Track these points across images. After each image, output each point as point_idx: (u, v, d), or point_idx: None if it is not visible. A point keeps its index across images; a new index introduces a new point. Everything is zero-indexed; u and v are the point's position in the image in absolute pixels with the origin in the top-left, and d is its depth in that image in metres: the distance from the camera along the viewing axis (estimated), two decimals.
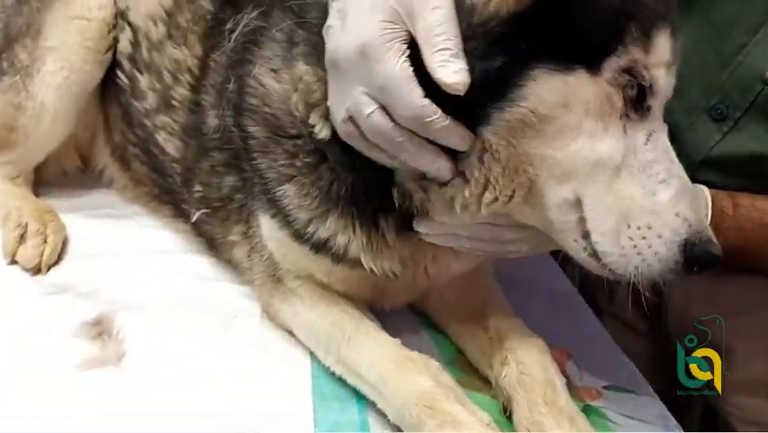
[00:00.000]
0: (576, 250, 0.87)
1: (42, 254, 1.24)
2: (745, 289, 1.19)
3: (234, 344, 1.07)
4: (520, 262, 1.09)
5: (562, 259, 1.37)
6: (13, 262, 1.24)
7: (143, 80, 1.30)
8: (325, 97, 0.91)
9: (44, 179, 1.49)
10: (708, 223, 0.95)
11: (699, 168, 1.16)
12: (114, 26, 1.35)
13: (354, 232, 0.98)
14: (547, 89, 0.80)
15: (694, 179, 1.12)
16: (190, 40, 1.26)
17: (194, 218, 1.22)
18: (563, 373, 1.01)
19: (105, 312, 1.10)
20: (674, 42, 0.85)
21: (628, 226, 0.83)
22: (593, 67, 0.81)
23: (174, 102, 1.25)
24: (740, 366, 1.13)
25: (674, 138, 1.13)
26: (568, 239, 0.87)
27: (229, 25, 1.16)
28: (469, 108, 0.80)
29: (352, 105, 0.84)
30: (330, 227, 0.99)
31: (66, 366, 1.00)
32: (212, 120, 1.17)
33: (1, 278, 1.22)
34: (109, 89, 1.40)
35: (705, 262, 0.84)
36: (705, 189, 1.10)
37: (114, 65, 1.37)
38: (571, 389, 0.99)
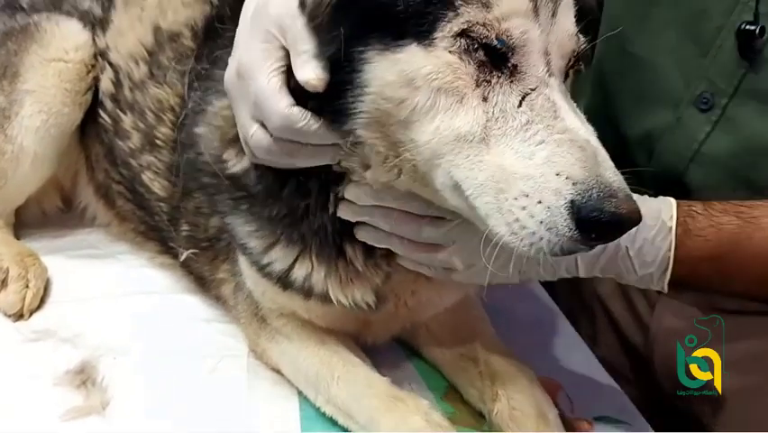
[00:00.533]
0: (494, 236, 0.78)
1: (24, 300, 1.22)
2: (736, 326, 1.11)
3: (221, 387, 1.06)
4: (507, 292, 1.08)
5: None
6: None
7: (127, 120, 1.30)
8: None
9: (24, 221, 1.47)
10: (674, 228, 0.91)
11: (689, 166, 1.11)
12: (93, 66, 1.34)
13: (312, 262, 0.98)
14: (383, 70, 0.78)
15: (684, 178, 1.11)
16: (171, 79, 1.26)
17: (182, 258, 1.21)
18: (555, 404, 1.01)
19: (89, 359, 1.09)
20: None
21: (505, 199, 0.76)
22: (424, 39, 0.77)
23: (158, 141, 1.25)
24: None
25: (662, 137, 1.13)
26: (480, 225, 0.80)
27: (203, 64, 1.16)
28: (337, 106, 0.82)
29: (241, 128, 0.89)
30: (282, 258, 0.99)
31: (50, 417, 0.98)
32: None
33: None
34: (90, 128, 1.39)
35: (602, 222, 0.73)
36: (670, 199, 0.98)
37: (95, 104, 1.36)
38: (564, 421, 0.99)
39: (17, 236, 1.43)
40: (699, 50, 1.10)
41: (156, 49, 1.30)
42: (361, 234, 0.95)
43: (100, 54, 1.34)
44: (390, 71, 0.78)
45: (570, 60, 0.84)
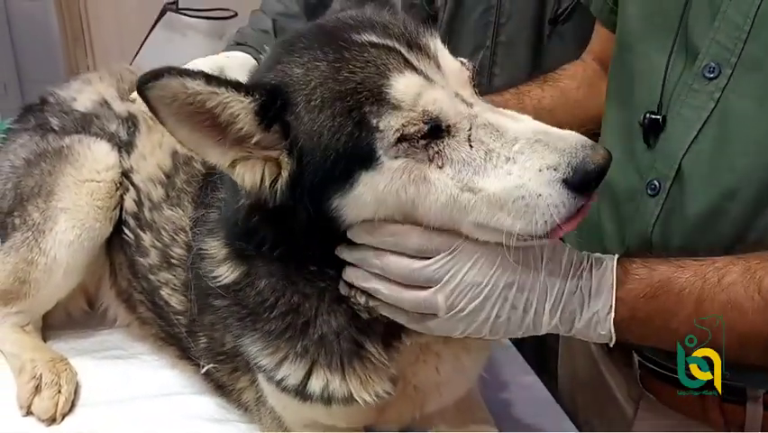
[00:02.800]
0: (515, 234, 0.91)
1: (57, 405, 1.32)
2: None
3: None
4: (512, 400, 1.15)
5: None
6: (29, 413, 1.32)
7: (146, 238, 1.40)
8: (232, 257, 1.07)
9: (50, 323, 1.57)
10: (614, 268, 0.99)
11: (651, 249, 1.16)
12: (121, 184, 1.46)
13: (325, 372, 1.05)
14: (351, 209, 0.93)
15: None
16: (184, 200, 1.36)
17: (203, 370, 1.29)
18: None
19: None
20: (414, 68, 0.91)
21: (509, 205, 0.89)
22: (370, 164, 0.90)
23: (173, 261, 1.34)
24: None
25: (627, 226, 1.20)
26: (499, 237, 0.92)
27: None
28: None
29: None
30: (294, 372, 1.06)
31: None
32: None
33: (17, 429, 1.29)
34: (114, 237, 1.49)
35: (593, 176, 0.88)
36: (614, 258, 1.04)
37: (120, 217, 1.47)
38: None
39: (44, 337, 1.53)
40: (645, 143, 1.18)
41: (173, 172, 1.41)
42: (349, 274, 1.01)
43: (125, 174, 1.46)
44: (357, 202, 0.92)
45: (473, 81, 0.98)
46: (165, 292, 1.36)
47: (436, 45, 0.96)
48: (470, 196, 0.91)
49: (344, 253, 1.00)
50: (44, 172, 1.46)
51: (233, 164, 0.94)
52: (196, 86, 0.88)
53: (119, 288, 1.55)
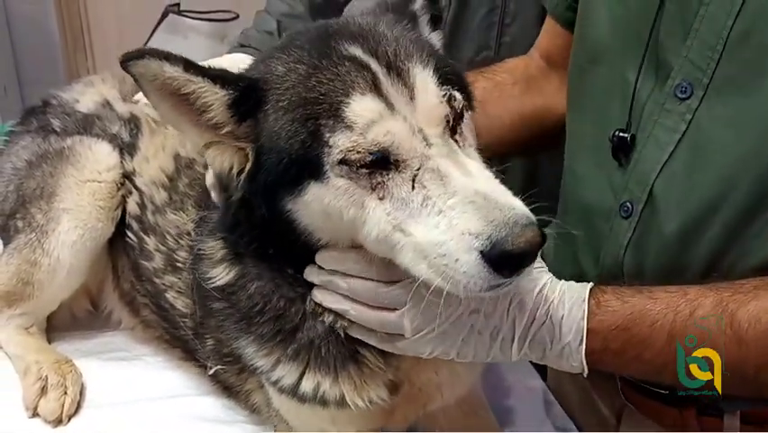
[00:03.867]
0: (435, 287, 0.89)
1: (63, 406, 1.32)
2: None
3: None
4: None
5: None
6: (35, 414, 1.31)
7: (150, 242, 1.40)
8: (228, 257, 1.09)
9: (54, 324, 1.57)
10: (587, 299, 1.00)
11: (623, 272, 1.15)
12: (122, 184, 1.46)
13: (316, 374, 1.05)
14: (301, 210, 0.95)
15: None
16: (187, 204, 1.36)
17: (211, 371, 1.29)
18: None
19: None
20: (380, 93, 0.90)
21: (433, 259, 0.86)
22: (318, 175, 0.91)
23: (178, 264, 1.34)
24: None
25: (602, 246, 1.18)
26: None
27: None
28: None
29: None
30: (289, 373, 1.06)
31: None
32: None
33: (24, 431, 1.29)
34: (117, 240, 1.49)
35: (512, 256, 0.83)
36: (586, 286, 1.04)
37: (122, 218, 1.47)
38: None
39: (48, 339, 1.53)
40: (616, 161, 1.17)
41: (176, 175, 1.41)
42: (317, 295, 1.03)
43: (127, 177, 1.46)
44: (307, 209, 0.94)
45: (449, 120, 0.93)
46: (170, 295, 1.36)
47: (421, 75, 0.93)
48: (401, 237, 0.89)
49: (312, 276, 1.02)
50: (46, 174, 1.46)
51: (207, 146, 0.99)
52: (174, 71, 0.92)
53: (122, 290, 1.55)
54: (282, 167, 0.92)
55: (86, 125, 1.52)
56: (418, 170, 0.89)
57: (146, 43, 3.61)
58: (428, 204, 0.88)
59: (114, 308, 1.59)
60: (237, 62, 1.63)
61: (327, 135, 0.89)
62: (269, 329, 1.06)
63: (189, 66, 0.92)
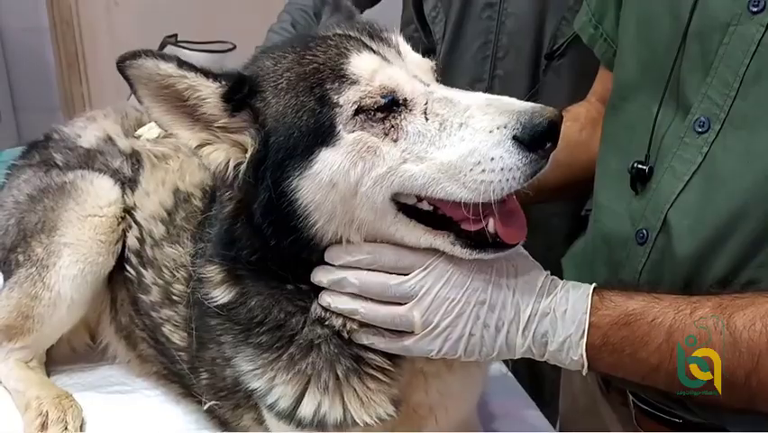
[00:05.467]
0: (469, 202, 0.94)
1: None
2: None
3: None
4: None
5: None
6: None
7: (148, 275, 1.40)
8: (228, 279, 1.10)
9: (54, 358, 1.57)
10: (590, 294, 1.02)
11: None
12: (123, 219, 1.46)
13: (318, 389, 1.05)
14: (311, 182, 0.97)
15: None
16: (183, 238, 1.38)
17: (205, 407, 1.29)
18: None
19: None
20: (373, 50, 1.00)
21: (464, 176, 0.92)
22: (330, 139, 0.95)
23: (174, 297, 1.35)
24: None
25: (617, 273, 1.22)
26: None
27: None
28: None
29: None
30: (286, 393, 1.06)
31: None
32: None
33: None
34: (117, 273, 1.49)
35: (544, 130, 0.90)
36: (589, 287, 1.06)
37: (122, 253, 1.47)
38: None
39: (48, 372, 1.53)
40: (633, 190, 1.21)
41: (174, 209, 1.42)
42: (325, 298, 1.04)
43: (128, 211, 1.47)
44: (313, 182, 0.96)
45: (435, 72, 1.05)
46: (167, 329, 1.37)
47: (398, 39, 1.05)
48: (412, 167, 0.95)
49: (320, 276, 1.04)
50: (47, 208, 1.47)
51: (201, 146, 1.02)
52: (169, 68, 0.97)
53: (119, 324, 1.55)
54: (293, 141, 0.96)
55: (89, 160, 1.53)
56: (426, 104, 0.97)
57: None
58: (446, 125, 0.95)
59: (111, 341, 1.58)
60: None
61: (335, 97, 0.95)
62: (268, 338, 1.07)
63: (182, 63, 0.98)
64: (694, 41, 1.10)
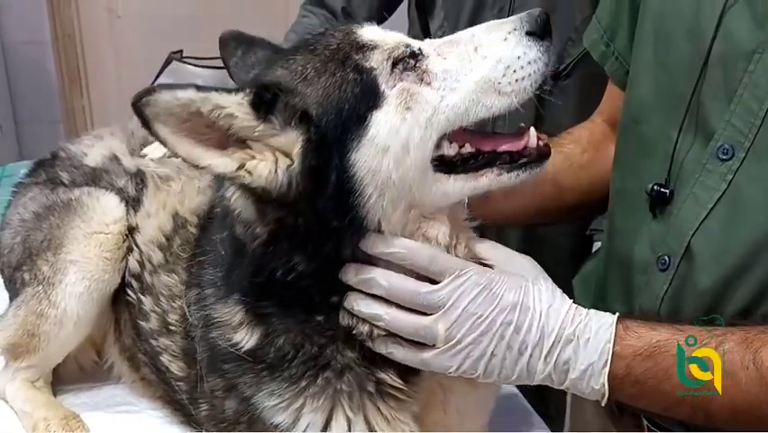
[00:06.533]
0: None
1: None
2: None
3: None
4: None
5: None
6: None
7: (147, 302, 1.39)
8: (248, 319, 1.07)
9: (61, 376, 1.56)
10: (614, 323, 1.03)
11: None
12: (128, 236, 1.45)
13: (346, 413, 1.04)
14: (366, 154, 0.99)
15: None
16: (179, 266, 1.36)
17: None
18: None
19: None
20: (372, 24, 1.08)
21: (498, 83, 1.01)
22: (378, 101, 1.00)
23: (171, 327, 1.33)
24: None
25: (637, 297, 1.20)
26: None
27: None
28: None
29: None
30: (314, 422, 1.05)
31: None
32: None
33: None
34: (120, 293, 1.47)
35: (543, 18, 1.02)
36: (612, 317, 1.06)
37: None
38: None
39: (55, 392, 1.52)
40: (652, 213, 1.22)
41: (172, 235, 1.40)
42: (351, 299, 1.03)
43: (130, 232, 1.45)
44: (370, 147, 0.98)
45: None
46: (165, 358, 1.35)
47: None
48: (453, 97, 1.01)
49: (350, 275, 1.03)
50: (53, 225, 1.46)
51: (241, 167, 0.99)
52: (189, 94, 0.95)
53: (123, 345, 1.53)
54: (346, 114, 0.98)
55: (94, 179, 1.53)
56: (435, 49, 1.05)
57: None
58: (463, 55, 1.03)
59: (115, 361, 1.57)
60: None
61: (366, 63, 1.00)
62: (299, 370, 1.05)
63: (200, 87, 0.96)
64: (717, 66, 1.10)
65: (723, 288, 1.08)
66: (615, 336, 1.02)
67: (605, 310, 1.09)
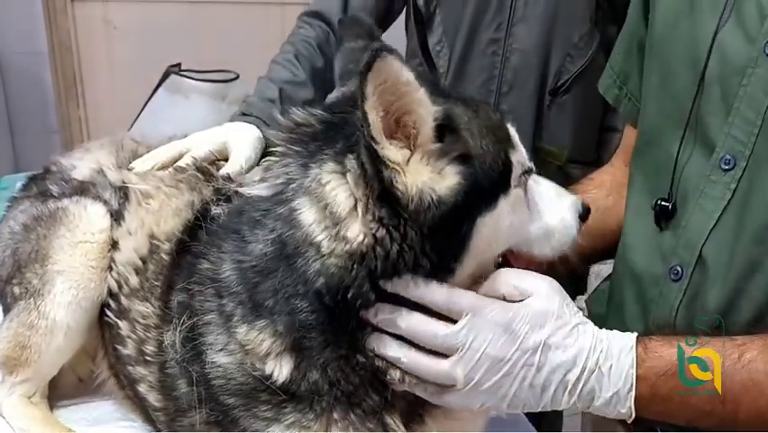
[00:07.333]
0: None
1: None
2: None
3: None
4: None
5: None
6: None
7: (123, 327, 1.33)
8: (276, 349, 1.02)
9: (60, 389, 1.54)
10: (635, 346, 1.04)
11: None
12: (112, 246, 1.42)
13: None
14: (487, 226, 1.01)
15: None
16: (153, 295, 1.29)
17: None
18: None
19: None
20: None
21: (554, 238, 1.12)
22: (506, 190, 1.04)
23: (147, 357, 1.27)
24: None
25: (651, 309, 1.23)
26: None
27: (179, 298, 1.18)
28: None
29: None
30: None
31: None
32: (183, 387, 1.16)
33: None
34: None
35: (588, 211, 1.17)
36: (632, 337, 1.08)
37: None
38: None
39: (53, 407, 1.50)
40: (657, 227, 1.26)
41: (148, 259, 1.34)
42: (371, 340, 1.01)
43: (113, 245, 1.41)
44: (491, 220, 1.02)
45: None
46: (142, 388, 1.30)
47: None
48: (532, 226, 1.10)
49: (370, 314, 1.00)
50: (40, 236, 1.45)
51: (408, 162, 0.96)
52: (410, 76, 0.92)
53: (109, 361, 1.49)
54: (489, 182, 1.01)
55: (83, 191, 1.50)
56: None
57: (147, 102, 3.63)
58: (544, 197, 1.13)
59: (106, 377, 1.53)
60: (240, 131, 1.65)
61: (510, 155, 1.05)
62: (328, 405, 1.03)
63: (418, 74, 0.95)
64: (714, 83, 1.15)
65: (736, 293, 1.11)
66: (636, 358, 1.02)
67: (619, 324, 1.12)
